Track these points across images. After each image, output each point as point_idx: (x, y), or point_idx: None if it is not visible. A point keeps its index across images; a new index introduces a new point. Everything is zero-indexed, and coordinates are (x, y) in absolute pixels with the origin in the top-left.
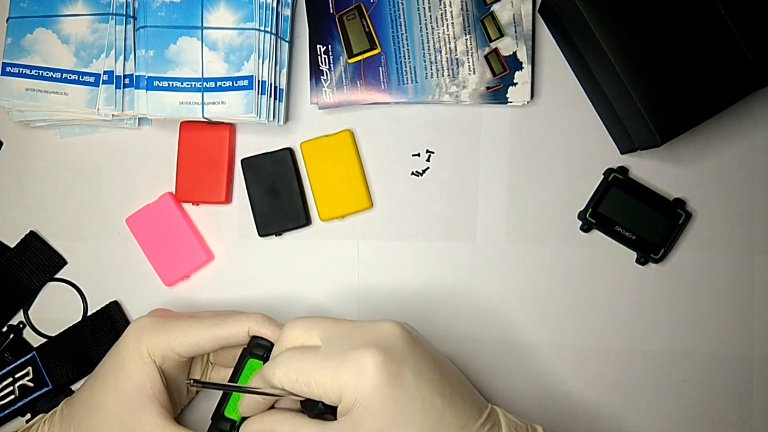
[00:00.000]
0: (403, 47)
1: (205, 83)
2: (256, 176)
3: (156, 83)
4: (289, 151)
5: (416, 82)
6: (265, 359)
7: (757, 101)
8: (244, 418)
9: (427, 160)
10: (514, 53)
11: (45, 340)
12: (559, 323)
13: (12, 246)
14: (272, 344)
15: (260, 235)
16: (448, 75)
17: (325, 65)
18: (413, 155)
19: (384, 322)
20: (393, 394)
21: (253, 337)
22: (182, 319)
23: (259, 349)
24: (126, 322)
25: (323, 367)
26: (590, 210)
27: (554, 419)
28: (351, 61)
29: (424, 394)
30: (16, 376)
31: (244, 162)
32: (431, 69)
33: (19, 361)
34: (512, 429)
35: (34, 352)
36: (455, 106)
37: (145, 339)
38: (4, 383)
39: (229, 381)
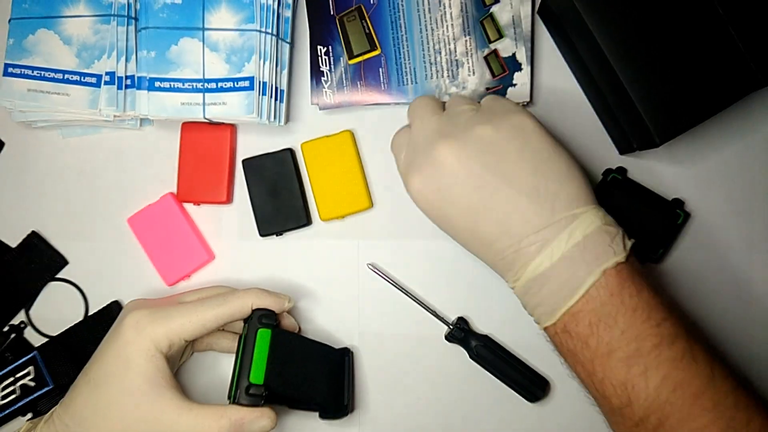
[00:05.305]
0: (403, 48)
1: (206, 84)
2: (257, 176)
3: (157, 84)
4: (290, 152)
5: (416, 83)
6: (274, 326)
7: (757, 101)
8: (268, 383)
9: None
10: (514, 54)
11: (46, 339)
12: None
13: (14, 246)
14: (275, 313)
15: (261, 235)
16: (448, 76)
17: (326, 66)
18: None
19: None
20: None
21: (256, 310)
22: (177, 305)
23: (268, 318)
24: None
25: None
26: None
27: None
28: (351, 62)
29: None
30: (18, 375)
31: (245, 162)
32: (431, 70)
33: (20, 361)
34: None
35: (36, 351)
36: None
37: (148, 334)
38: (6, 383)
39: (242, 352)
